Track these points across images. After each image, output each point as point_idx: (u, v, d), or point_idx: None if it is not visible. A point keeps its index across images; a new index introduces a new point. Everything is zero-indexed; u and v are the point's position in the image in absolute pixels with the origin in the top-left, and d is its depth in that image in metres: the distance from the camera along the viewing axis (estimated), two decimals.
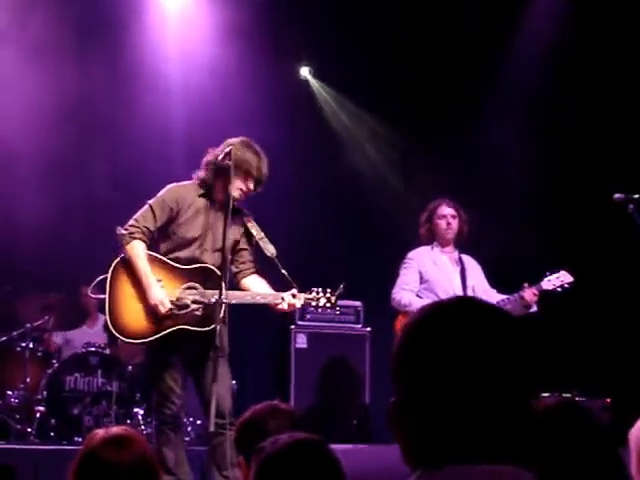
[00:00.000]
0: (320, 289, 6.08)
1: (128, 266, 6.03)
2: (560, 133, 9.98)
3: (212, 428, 5.61)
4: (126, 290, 6.02)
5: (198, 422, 8.24)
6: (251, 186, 6.07)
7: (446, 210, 7.62)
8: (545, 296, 7.34)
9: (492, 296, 7.42)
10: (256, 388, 8.97)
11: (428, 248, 7.70)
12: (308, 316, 8.79)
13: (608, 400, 8.10)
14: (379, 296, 9.30)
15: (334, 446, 2.77)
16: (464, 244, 7.76)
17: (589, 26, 9.70)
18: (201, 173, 6.18)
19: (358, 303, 8.90)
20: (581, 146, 9.95)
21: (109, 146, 9.45)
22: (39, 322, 8.85)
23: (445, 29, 9.91)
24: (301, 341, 8.68)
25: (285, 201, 9.83)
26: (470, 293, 7.44)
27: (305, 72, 10.88)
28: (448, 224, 7.60)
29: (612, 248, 7.99)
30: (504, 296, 7.42)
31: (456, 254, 7.73)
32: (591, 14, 9.63)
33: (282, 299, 5.97)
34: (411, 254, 7.73)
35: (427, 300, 7.28)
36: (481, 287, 7.61)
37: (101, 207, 9.08)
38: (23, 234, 9.35)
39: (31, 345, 8.69)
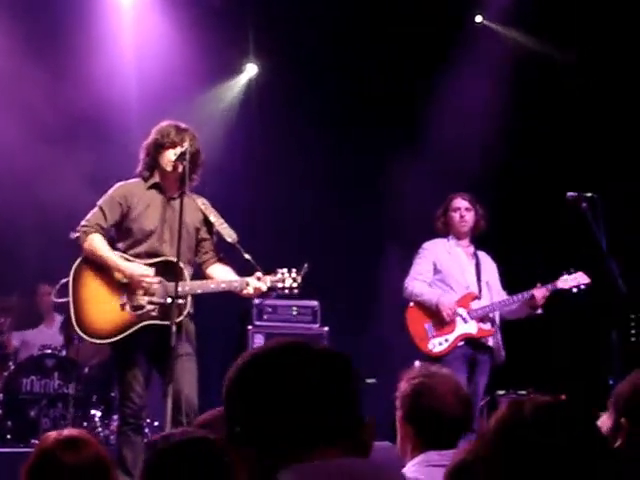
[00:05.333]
0: (285, 270, 6.04)
1: (90, 265, 6.03)
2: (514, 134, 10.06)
3: (169, 429, 5.59)
4: (89, 290, 6.01)
5: (156, 423, 8.22)
6: (172, 155, 6.05)
7: (460, 203, 7.55)
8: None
9: (502, 297, 7.46)
10: (214, 388, 8.95)
11: (444, 240, 7.61)
12: (265, 316, 8.80)
13: (563, 397, 8.17)
14: (336, 295, 9.35)
15: None
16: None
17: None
18: (140, 166, 6.22)
19: (315, 303, 8.92)
20: (536, 146, 10.04)
21: (63, 145, 9.37)
22: None
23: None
24: (258, 341, 8.67)
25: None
26: (484, 289, 7.44)
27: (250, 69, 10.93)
28: (462, 217, 7.52)
29: (566, 246, 8.05)
30: (513, 296, 7.38)
31: (472, 248, 7.63)
32: None
33: (247, 284, 5.97)
34: (426, 244, 7.63)
35: (440, 291, 7.37)
36: (494, 286, 7.56)
37: (55, 206, 8.99)
38: None
39: None
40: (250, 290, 5.98)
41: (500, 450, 2.04)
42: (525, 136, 10.07)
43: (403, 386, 3.50)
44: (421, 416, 3.42)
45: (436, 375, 3.52)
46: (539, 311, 7.32)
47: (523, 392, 8.15)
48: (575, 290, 7.29)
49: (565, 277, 7.29)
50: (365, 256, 10.17)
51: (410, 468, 3.33)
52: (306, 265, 6.05)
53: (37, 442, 6.42)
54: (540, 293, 7.22)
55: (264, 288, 6.02)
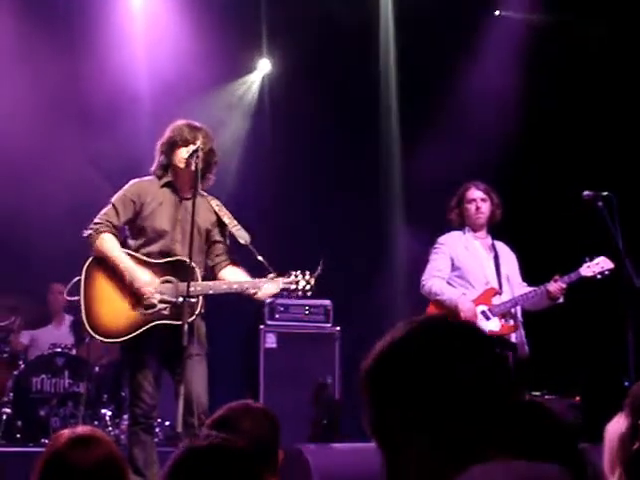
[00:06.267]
0: (298, 272, 5.99)
1: (101, 264, 5.98)
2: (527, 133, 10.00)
3: (180, 429, 5.55)
4: (101, 289, 5.97)
5: (167, 423, 8.19)
6: (184, 153, 6.00)
7: (475, 193, 7.22)
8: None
9: (522, 290, 7.17)
10: (225, 388, 8.92)
11: (460, 233, 7.29)
12: (277, 316, 8.76)
13: (577, 398, 8.11)
14: (348, 295, 9.29)
15: (305, 445, 2.71)
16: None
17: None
18: (154, 164, 6.18)
19: (327, 302, 8.88)
20: (551, 146, 9.97)
21: (77, 140, 9.36)
22: (5, 323, 8.77)
23: None
24: (270, 341, 8.64)
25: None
26: (505, 283, 7.15)
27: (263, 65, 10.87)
28: (477, 208, 7.19)
29: (582, 246, 7.97)
30: (531, 289, 7.10)
31: (489, 240, 7.33)
32: None
33: (259, 287, 5.91)
34: (442, 239, 7.32)
35: (460, 289, 7.11)
36: (515, 279, 7.27)
37: (67, 205, 8.97)
38: None
39: None
40: (260, 294, 5.94)
41: None
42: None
43: None
44: None
45: None
46: (560, 300, 7.03)
47: (537, 393, 8.06)
48: (599, 277, 6.97)
49: (588, 264, 6.97)
50: (379, 254, 10.11)
51: None
52: (320, 267, 6.00)
53: (47, 441, 6.41)
54: (554, 288, 6.94)
55: (276, 290, 5.97)
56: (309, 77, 10.14)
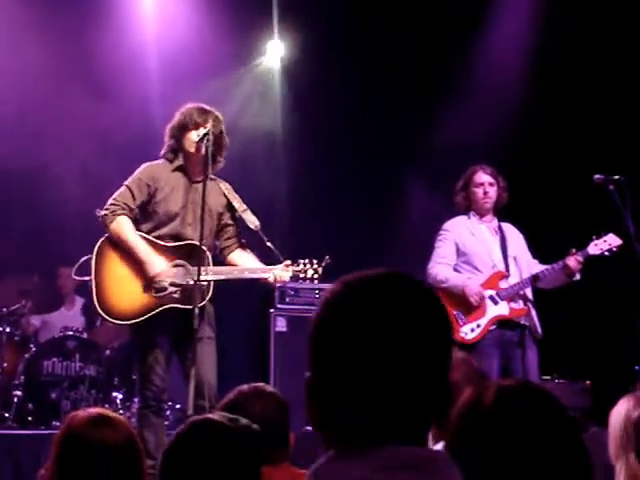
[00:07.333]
0: (307, 260, 6.02)
1: (114, 245, 6.00)
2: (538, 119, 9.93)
3: (190, 412, 5.57)
4: (112, 270, 5.99)
5: (177, 406, 8.21)
6: (195, 137, 6.01)
7: (483, 177, 7.14)
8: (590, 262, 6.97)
9: (534, 267, 7.09)
10: (235, 372, 8.92)
11: (465, 218, 7.22)
12: (288, 299, 8.75)
13: (588, 382, 8.11)
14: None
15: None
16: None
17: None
18: (164, 148, 6.20)
19: None
20: (562, 129, 9.90)
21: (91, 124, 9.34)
22: (16, 306, 8.79)
23: None
24: (281, 324, 8.63)
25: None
26: (512, 264, 7.06)
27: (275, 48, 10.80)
28: (485, 193, 7.13)
29: (592, 229, 7.91)
30: (547, 266, 7.02)
31: (495, 222, 7.25)
32: None
33: (271, 273, 5.94)
34: (447, 225, 7.24)
35: (466, 274, 7.05)
36: (523, 258, 7.16)
37: (77, 189, 8.96)
38: None
39: (8, 330, 8.63)
40: (271, 279, 5.95)
41: (461, 439, 1.96)
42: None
43: None
44: None
45: None
46: (577, 277, 6.95)
47: (547, 377, 8.05)
48: (607, 254, 6.91)
49: (595, 242, 6.91)
50: (389, 238, 10.07)
51: None
52: (327, 257, 6.02)
53: (60, 423, 6.43)
54: (573, 262, 6.84)
55: (287, 278, 6.00)
56: (325, 56, 10.04)
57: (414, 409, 1.65)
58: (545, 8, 9.78)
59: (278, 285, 8.25)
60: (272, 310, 8.70)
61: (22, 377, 8.31)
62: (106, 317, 5.97)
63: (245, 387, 3.40)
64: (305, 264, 6.03)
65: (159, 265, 5.92)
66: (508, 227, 7.30)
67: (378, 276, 1.72)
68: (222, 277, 5.95)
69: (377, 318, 1.64)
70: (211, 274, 5.87)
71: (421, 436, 1.69)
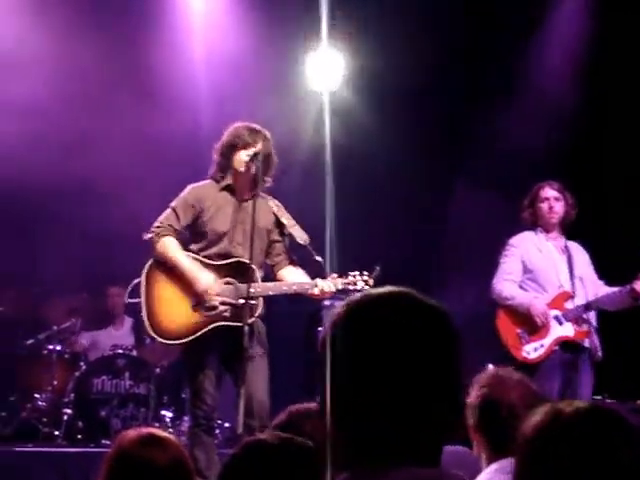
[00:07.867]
0: (357, 272, 6.01)
1: (161, 267, 6.05)
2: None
3: (240, 430, 5.57)
4: (161, 292, 6.04)
5: (226, 424, 8.21)
6: (244, 156, 6.03)
7: (549, 192, 7.03)
8: None
9: (599, 288, 7.00)
10: (285, 391, 8.91)
11: (532, 233, 7.11)
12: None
13: (638, 402, 8.01)
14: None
15: None
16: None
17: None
18: (212, 167, 6.23)
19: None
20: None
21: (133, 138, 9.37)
22: (66, 324, 8.87)
23: None
24: None
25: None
26: (578, 284, 6.95)
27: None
28: (551, 208, 7.01)
29: None
30: (613, 288, 6.92)
31: (562, 241, 7.12)
32: None
33: (316, 286, 5.93)
34: (513, 240, 7.13)
35: (532, 293, 6.97)
36: (589, 278, 7.03)
37: (122, 210, 8.98)
38: (46, 236, 9.33)
39: (58, 348, 8.71)
40: (316, 291, 5.94)
41: (533, 461, 1.93)
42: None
43: (472, 395, 3.41)
44: (490, 427, 3.34)
45: (505, 382, 3.41)
46: None
47: (598, 397, 7.96)
48: None
49: None
50: (437, 251, 10.00)
51: (484, 477, 3.25)
52: (378, 268, 6.00)
53: (108, 442, 6.46)
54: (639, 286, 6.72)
55: (332, 289, 5.98)
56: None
57: (422, 426, 1.65)
58: (601, 11, 9.68)
59: (326, 303, 8.29)
60: (320, 329, 8.69)
61: (72, 395, 8.35)
62: (157, 337, 6.02)
63: (295, 407, 3.39)
64: (355, 276, 6.02)
65: (207, 280, 5.94)
66: (574, 246, 7.18)
67: (383, 294, 1.75)
68: (270, 293, 5.96)
69: (380, 336, 1.66)
70: (260, 290, 5.89)
71: (435, 455, 1.68)
